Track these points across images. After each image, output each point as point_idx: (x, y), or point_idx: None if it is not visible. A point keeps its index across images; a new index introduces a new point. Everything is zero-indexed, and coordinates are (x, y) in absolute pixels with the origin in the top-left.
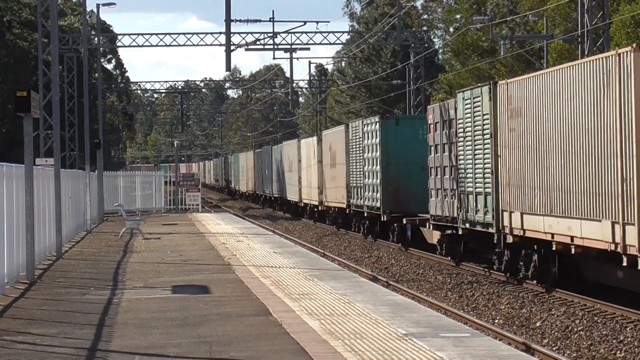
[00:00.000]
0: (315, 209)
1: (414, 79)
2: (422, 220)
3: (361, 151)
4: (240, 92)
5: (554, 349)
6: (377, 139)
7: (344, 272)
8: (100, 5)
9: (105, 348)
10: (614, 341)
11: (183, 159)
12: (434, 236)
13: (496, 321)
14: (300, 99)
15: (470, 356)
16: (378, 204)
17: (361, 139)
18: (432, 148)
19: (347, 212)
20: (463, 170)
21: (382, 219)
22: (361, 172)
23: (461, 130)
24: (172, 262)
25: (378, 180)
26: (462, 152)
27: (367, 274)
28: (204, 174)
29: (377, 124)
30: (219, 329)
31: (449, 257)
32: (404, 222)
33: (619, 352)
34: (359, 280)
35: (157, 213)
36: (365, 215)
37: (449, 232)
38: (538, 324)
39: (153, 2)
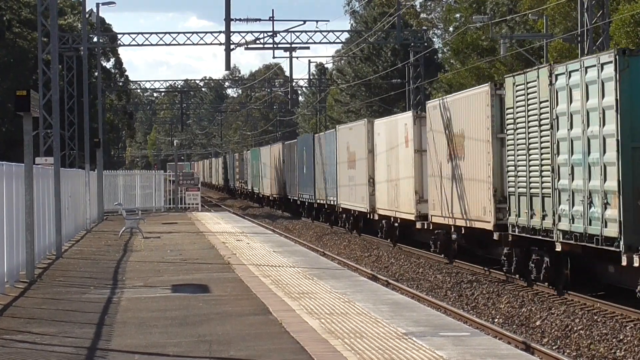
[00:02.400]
0: (412, 228)
1: (414, 78)
2: None
3: (543, 126)
4: (240, 91)
5: (553, 348)
6: (610, 97)
7: (343, 271)
8: (100, 5)
9: (105, 347)
10: (614, 340)
11: (183, 158)
12: None
13: (496, 320)
14: (300, 98)
15: (470, 355)
16: (599, 228)
17: (547, 101)
18: None
19: (494, 236)
20: None
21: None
22: (538, 165)
23: None
24: (171, 261)
25: (608, 182)
26: None
27: (366, 273)
28: (210, 174)
29: (610, 65)
30: (218, 328)
31: None
32: None
33: (618, 351)
34: (358, 279)
35: (157, 212)
36: (560, 249)
37: None
38: (538, 323)
39: (154, 1)
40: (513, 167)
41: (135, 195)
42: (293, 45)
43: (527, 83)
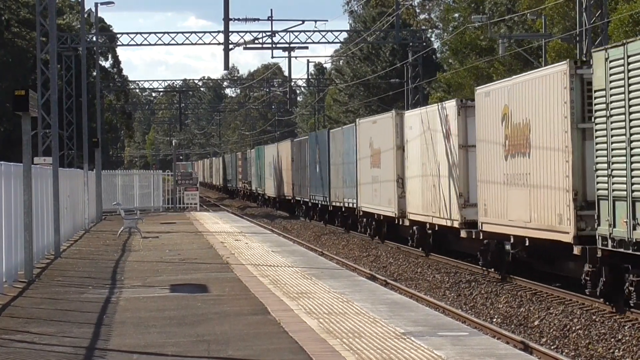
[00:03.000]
0: (449, 237)
1: (412, 78)
2: None
3: None
4: (239, 90)
5: (552, 347)
6: None
7: (342, 271)
8: (99, 4)
9: (104, 347)
10: (612, 340)
11: (181, 157)
12: None
13: (494, 320)
14: (299, 97)
15: (468, 355)
16: None
17: None
18: None
19: (574, 250)
20: None
21: None
22: None
23: None
24: (170, 260)
25: None
26: None
27: (365, 272)
28: (210, 174)
29: None
30: (217, 328)
31: None
32: None
33: (617, 350)
34: (357, 279)
35: (156, 212)
36: None
37: None
38: (536, 322)
39: (152, 1)
40: (605, 165)
41: (134, 195)
42: (292, 45)
43: (629, 57)
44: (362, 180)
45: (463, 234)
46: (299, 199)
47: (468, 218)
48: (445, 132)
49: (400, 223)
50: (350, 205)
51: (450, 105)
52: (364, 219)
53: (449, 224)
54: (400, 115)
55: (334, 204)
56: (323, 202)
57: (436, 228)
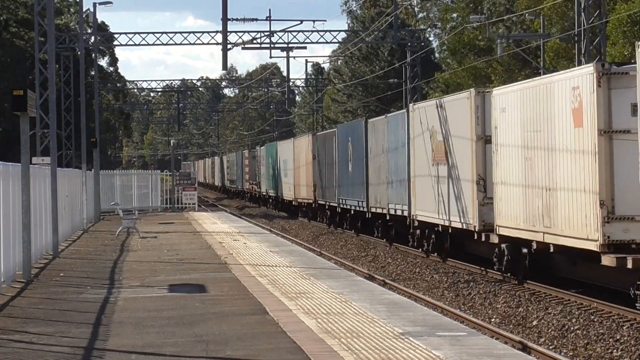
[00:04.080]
0: (563, 261)
1: (411, 78)
2: None
3: None
4: (237, 90)
5: (550, 347)
6: None
7: (340, 271)
8: (97, 4)
9: (102, 347)
10: (611, 340)
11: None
12: None
13: (493, 320)
14: (297, 97)
15: (466, 355)
16: None
17: None
18: None
19: None
20: None
21: None
22: None
23: None
24: (168, 261)
25: None
26: None
27: (363, 272)
28: (212, 174)
29: None
30: (215, 328)
31: None
32: None
33: (615, 351)
34: (355, 279)
35: (154, 212)
36: None
37: None
38: (535, 322)
39: (151, 1)
40: None
41: (132, 195)
42: (290, 45)
43: None
44: (418, 181)
45: (606, 261)
46: (323, 203)
47: (615, 237)
48: (571, 112)
49: (483, 239)
50: (398, 212)
51: (582, 73)
52: (418, 231)
53: (578, 244)
54: (482, 94)
55: (373, 209)
56: (357, 208)
57: (551, 249)
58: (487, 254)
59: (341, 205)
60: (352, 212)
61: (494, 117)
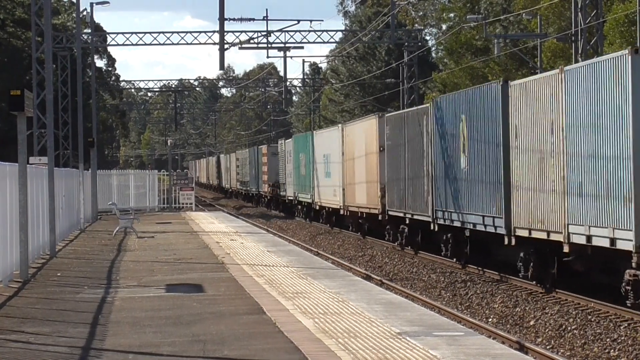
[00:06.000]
0: None
1: (408, 78)
2: None
3: None
4: (234, 90)
5: (547, 347)
6: None
7: (337, 271)
8: (94, 4)
9: (99, 347)
10: (608, 340)
11: (177, 157)
12: None
13: (490, 320)
14: (294, 97)
15: (463, 355)
16: None
17: None
18: None
19: None
20: None
21: None
22: None
23: None
24: (165, 260)
25: None
26: None
27: (360, 272)
28: (218, 174)
29: None
30: (212, 328)
31: None
32: None
33: (612, 350)
34: (352, 279)
35: (151, 212)
36: None
37: None
38: (532, 322)
39: (148, 1)
40: None
41: (129, 195)
42: (287, 45)
43: None
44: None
45: None
46: (401, 214)
47: None
48: None
49: None
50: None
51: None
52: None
53: None
54: None
55: (521, 233)
56: (487, 228)
57: None
58: None
59: (447, 221)
60: (469, 231)
61: None
